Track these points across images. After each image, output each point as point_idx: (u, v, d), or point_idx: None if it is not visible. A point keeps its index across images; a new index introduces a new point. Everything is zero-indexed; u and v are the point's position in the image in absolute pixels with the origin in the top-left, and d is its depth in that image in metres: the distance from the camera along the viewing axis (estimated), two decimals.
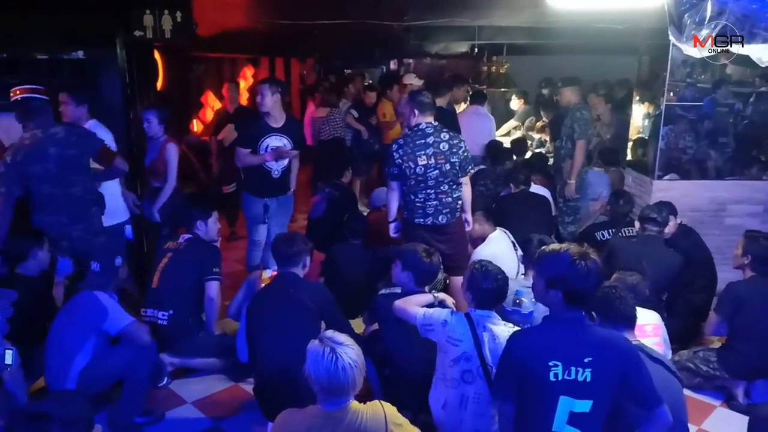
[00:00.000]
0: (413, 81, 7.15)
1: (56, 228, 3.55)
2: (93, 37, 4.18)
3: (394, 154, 3.79)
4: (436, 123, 3.78)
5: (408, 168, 3.74)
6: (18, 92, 3.57)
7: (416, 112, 3.76)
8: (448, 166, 3.70)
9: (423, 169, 3.71)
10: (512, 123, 8.31)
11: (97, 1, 4.14)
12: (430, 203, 3.77)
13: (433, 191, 3.75)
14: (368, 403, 2.08)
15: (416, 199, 3.80)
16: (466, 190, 3.91)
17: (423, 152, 3.69)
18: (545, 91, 8.24)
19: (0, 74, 4.05)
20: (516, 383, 2.10)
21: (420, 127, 3.76)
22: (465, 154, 3.75)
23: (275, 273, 3.55)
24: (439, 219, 3.80)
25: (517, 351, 2.13)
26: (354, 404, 2.02)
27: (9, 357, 2.64)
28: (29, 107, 3.54)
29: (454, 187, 3.79)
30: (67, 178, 3.55)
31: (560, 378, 2.00)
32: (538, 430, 2.06)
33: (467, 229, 4.04)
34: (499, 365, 2.21)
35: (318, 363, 1.94)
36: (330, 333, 2.05)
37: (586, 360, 2.00)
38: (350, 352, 1.97)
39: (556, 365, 2.01)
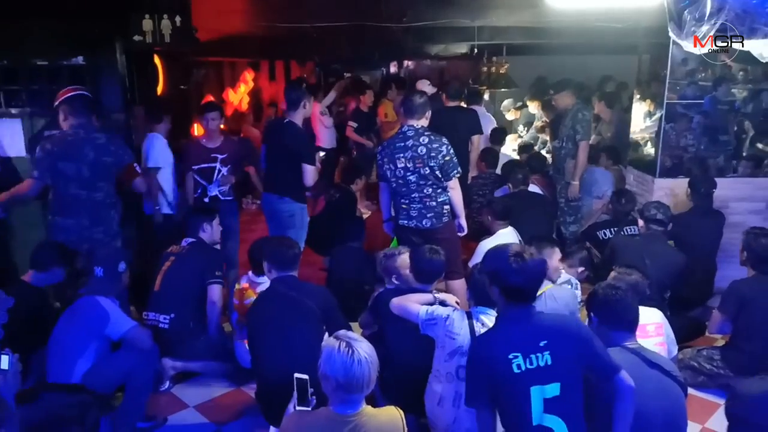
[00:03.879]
0: (426, 88, 7.11)
1: (76, 231, 3.58)
2: (92, 42, 4.19)
3: (378, 156, 3.87)
4: (420, 126, 3.74)
5: (389, 170, 3.77)
6: (66, 92, 3.62)
7: (403, 114, 3.79)
8: (427, 170, 3.66)
9: (402, 171, 3.71)
10: (513, 136, 8.27)
11: (96, 7, 4.14)
12: (414, 206, 3.77)
13: (416, 194, 3.74)
14: (382, 407, 2.07)
15: (402, 201, 3.81)
16: (455, 195, 3.81)
17: (402, 155, 3.69)
18: (529, 103, 8.21)
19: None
20: (487, 388, 2.13)
21: (402, 129, 3.78)
22: (446, 158, 3.66)
23: (246, 285, 3.59)
24: (423, 223, 3.77)
25: (479, 354, 2.19)
26: (368, 408, 2.00)
27: (5, 362, 2.61)
28: (77, 105, 3.59)
29: (439, 191, 3.74)
30: (95, 183, 3.61)
31: (524, 368, 2.06)
32: (520, 428, 2.09)
33: (461, 234, 3.98)
34: (467, 374, 2.24)
35: (333, 358, 1.92)
36: (343, 332, 2.04)
37: (541, 344, 2.08)
38: (365, 347, 1.97)
39: (516, 356, 2.07)
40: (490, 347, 2.16)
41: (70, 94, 3.62)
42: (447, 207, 3.81)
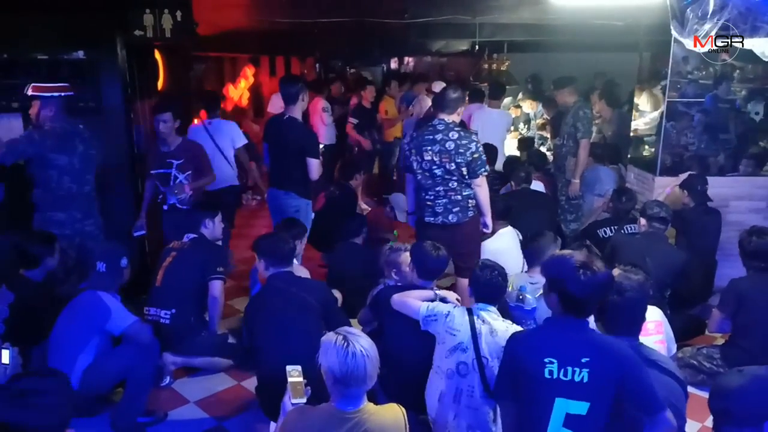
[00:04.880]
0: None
1: (69, 225, 3.62)
2: (93, 37, 4.17)
3: (406, 146, 3.82)
4: (451, 121, 3.70)
5: (416, 161, 3.73)
6: (50, 88, 3.62)
7: (435, 108, 3.78)
8: (453, 166, 3.63)
9: (428, 164, 3.68)
10: (514, 134, 8.26)
11: (96, 1, 4.13)
12: (439, 201, 3.73)
13: (441, 188, 3.70)
14: (384, 405, 2.06)
15: (426, 197, 3.76)
16: (482, 192, 3.76)
17: (430, 148, 3.66)
18: (522, 103, 8.20)
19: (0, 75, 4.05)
20: (514, 383, 2.10)
21: (433, 122, 3.74)
22: (474, 156, 3.62)
23: None
24: (449, 218, 3.73)
25: (515, 348, 2.15)
26: (370, 405, 1.99)
27: (6, 356, 2.61)
28: (57, 106, 3.61)
29: (464, 185, 3.71)
30: (84, 175, 3.68)
31: (555, 376, 2.00)
32: (533, 431, 2.05)
33: (486, 232, 3.95)
34: (501, 364, 2.23)
35: (329, 351, 1.92)
36: (344, 327, 2.04)
37: (583, 360, 2.00)
38: (363, 341, 1.95)
39: (551, 362, 2.01)
40: (528, 344, 2.12)
41: (64, 94, 3.62)
42: (472, 201, 3.77)
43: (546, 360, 2.02)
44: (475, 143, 3.65)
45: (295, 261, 3.84)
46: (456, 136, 3.63)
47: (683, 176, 4.60)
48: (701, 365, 3.47)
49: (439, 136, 3.65)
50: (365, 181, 7.07)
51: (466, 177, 3.67)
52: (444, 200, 3.72)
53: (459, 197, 3.72)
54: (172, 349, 3.49)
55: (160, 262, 3.63)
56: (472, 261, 3.65)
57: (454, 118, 3.73)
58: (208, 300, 3.57)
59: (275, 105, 7.16)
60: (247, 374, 3.55)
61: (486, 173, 3.74)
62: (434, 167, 3.67)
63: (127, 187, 4.45)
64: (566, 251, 2.23)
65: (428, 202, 3.77)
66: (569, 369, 2.00)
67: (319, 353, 1.95)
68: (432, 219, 3.77)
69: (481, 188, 3.75)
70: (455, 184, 3.69)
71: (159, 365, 3.38)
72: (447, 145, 3.62)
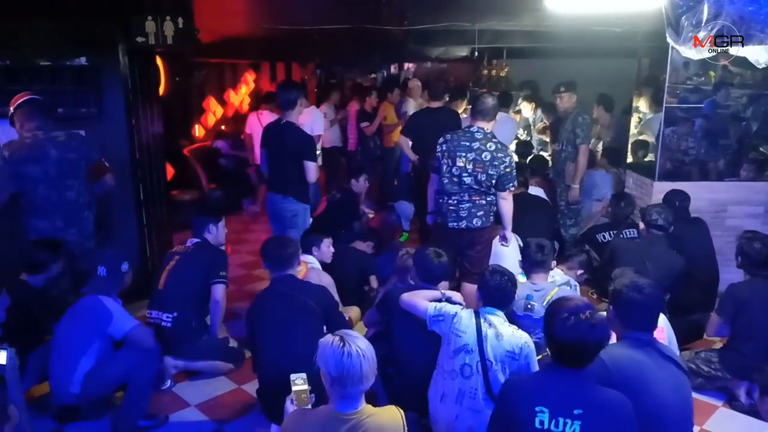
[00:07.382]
0: (417, 83, 7.22)
1: (50, 233, 3.54)
2: (95, 43, 4.20)
3: (438, 147, 3.77)
4: (489, 131, 3.69)
5: (446, 164, 3.70)
6: (18, 98, 3.58)
7: (472, 115, 3.77)
8: (483, 177, 3.61)
9: (458, 170, 3.65)
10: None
11: (99, 8, 4.16)
12: (463, 206, 3.70)
13: (466, 195, 3.69)
14: (383, 407, 2.07)
15: (450, 201, 3.73)
16: (506, 206, 3.76)
17: (464, 154, 3.63)
18: (523, 106, 8.24)
19: (1, 81, 4.07)
20: (506, 428, 2.05)
21: (471, 129, 3.71)
22: (507, 170, 3.62)
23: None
24: (474, 222, 3.72)
25: (509, 394, 2.09)
26: (368, 407, 2.00)
27: (2, 357, 2.61)
28: (30, 109, 3.55)
29: (490, 191, 3.70)
30: (63, 181, 3.55)
31: (546, 427, 1.93)
32: None
33: (506, 246, 3.95)
34: (494, 409, 2.20)
35: (326, 352, 1.93)
36: (343, 330, 2.05)
37: (576, 412, 1.92)
38: (359, 342, 1.96)
39: (542, 411, 1.95)
40: (521, 390, 2.06)
41: (20, 101, 3.55)
42: (494, 207, 3.77)
43: (537, 409, 1.95)
44: (509, 157, 3.66)
45: (317, 264, 3.87)
46: (493, 147, 3.61)
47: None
48: (699, 369, 3.48)
49: (476, 145, 3.62)
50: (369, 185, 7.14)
51: (493, 189, 3.67)
52: (468, 204, 3.70)
53: (483, 202, 3.71)
54: (174, 352, 3.50)
55: (163, 265, 3.65)
56: (481, 266, 3.64)
57: (491, 126, 3.71)
58: (210, 304, 3.59)
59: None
60: (248, 378, 3.56)
61: (514, 188, 3.74)
62: (464, 174, 3.64)
63: (129, 192, 4.47)
64: (567, 296, 2.17)
65: (451, 207, 3.74)
66: (560, 420, 1.93)
67: (317, 355, 1.97)
68: (456, 224, 3.73)
69: (506, 201, 3.75)
70: (481, 192, 3.68)
71: (160, 369, 3.39)
72: (483, 156, 3.60)
